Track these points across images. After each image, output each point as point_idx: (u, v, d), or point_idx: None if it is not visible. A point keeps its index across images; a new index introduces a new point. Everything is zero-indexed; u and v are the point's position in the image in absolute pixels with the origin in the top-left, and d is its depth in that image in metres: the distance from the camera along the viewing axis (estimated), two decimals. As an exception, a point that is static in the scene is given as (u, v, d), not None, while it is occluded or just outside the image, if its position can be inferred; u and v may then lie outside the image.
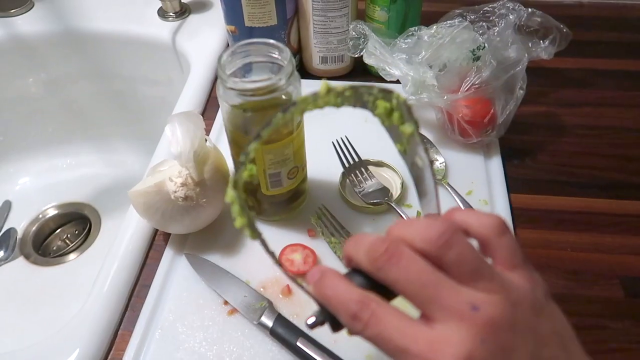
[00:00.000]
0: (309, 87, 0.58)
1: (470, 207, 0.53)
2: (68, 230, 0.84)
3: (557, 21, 0.60)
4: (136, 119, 0.87)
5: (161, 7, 0.79)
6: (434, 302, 0.24)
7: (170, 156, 0.53)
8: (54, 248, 0.82)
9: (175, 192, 0.45)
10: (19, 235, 0.81)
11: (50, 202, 0.86)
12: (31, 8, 0.82)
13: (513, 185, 0.56)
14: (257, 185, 0.49)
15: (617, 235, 0.53)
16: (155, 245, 0.52)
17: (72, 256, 0.79)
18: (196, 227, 0.50)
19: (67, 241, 0.82)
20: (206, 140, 0.48)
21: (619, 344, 0.45)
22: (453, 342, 0.22)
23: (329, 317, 0.27)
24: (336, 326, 0.27)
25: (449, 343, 0.22)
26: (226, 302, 0.47)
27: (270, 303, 0.46)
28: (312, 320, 0.28)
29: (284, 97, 0.43)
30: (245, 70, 0.46)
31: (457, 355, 0.22)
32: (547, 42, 0.60)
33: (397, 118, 0.31)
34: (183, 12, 0.79)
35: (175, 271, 0.49)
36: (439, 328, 0.23)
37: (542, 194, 0.56)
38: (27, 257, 0.79)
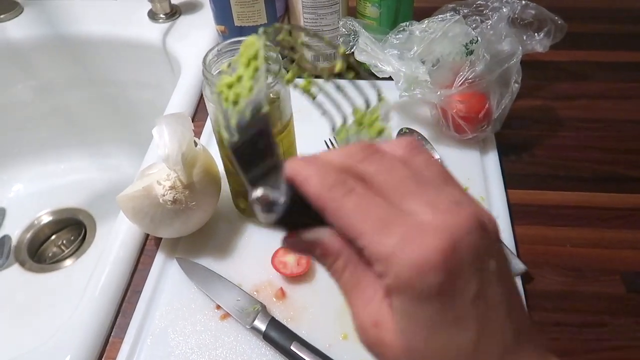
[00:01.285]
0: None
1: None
2: (63, 236, 0.83)
3: (552, 13, 0.59)
4: (129, 122, 0.86)
5: (151, 9, 0.78)
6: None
7: (159, 159, 0.52)
8: (50, 254, 0.81)
9: (164, 195, 0.45)
10: (14, 242, 0.81)
11: (45, 209, 0.85)
12: (20, 13, 0.81)
13: (510, 181, 0.55)
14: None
15: (618, 229, 0.51)
16: (146, 250, 0.51)
17: (68, 262, 0.79)
18: (187, 230, 0.49)
19: (63, 247, 0.82)
20: (195, 142, 0.48)
21: (620, 341, 0.44)
22: (433, 230, 0.19)
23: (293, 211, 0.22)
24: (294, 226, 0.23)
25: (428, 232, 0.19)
26: (218, 307, 0.46)
27: (263, 307, 0.45)
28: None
29: (272, 95, 0.42)
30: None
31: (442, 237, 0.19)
32: (541, 35, 0.59)
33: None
34: (173, 13, 0.78)
35: (166, 276, 0.49)
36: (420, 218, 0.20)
37: (539, 189, 0.55)
38: (22, 264, 0.78)
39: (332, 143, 0.56)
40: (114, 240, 0.51)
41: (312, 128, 0.56)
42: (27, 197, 0.87)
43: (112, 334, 0.46)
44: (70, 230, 0.84)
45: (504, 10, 0.58)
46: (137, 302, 0.47)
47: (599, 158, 0.59)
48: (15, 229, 0.82)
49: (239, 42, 0.43)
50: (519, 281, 0.46)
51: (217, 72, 0.43)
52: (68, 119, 0.87)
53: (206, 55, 0.42)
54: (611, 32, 0.77)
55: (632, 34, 0.76)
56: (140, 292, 0.47)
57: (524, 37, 0.59)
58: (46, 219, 0.84)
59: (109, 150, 0.90)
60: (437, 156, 0.56)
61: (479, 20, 0.58)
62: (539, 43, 0.59)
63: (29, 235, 0.82)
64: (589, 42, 0.75)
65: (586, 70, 0.70)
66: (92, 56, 0.80)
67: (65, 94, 0.85)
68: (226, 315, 0.45)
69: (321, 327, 0.44)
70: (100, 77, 0.82)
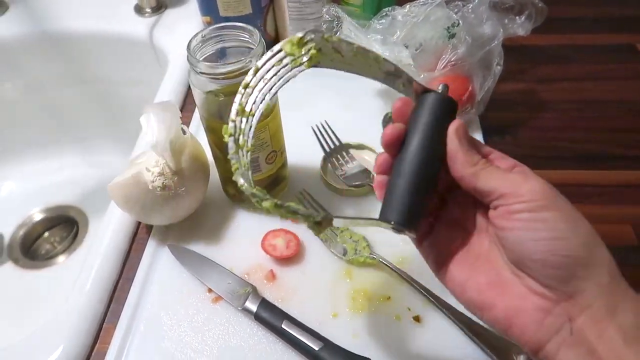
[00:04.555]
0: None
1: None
2: (56, 233, 0.84)
3: (532, -3, 0.60)
4: (118, 118, 0.87)
5: (137, 3, 0.78)
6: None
7: (148, 147, 0.52)
8: (43, 252, 0.81)
9: (153, 181, 0.45)
10: (7, 240, 0.81)
11: (37, 206, 0.85)
12: (6, 11, 0.81)
13: (494, 161, 0.56)
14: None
15: (599, 205, 0.53)
16: (138, 238, 0.52)
17: (61, 258, 0.79)
18: (177, 217, 0.50)
19: (55, 244, 0.82)
20: (183, 129, 0.48)
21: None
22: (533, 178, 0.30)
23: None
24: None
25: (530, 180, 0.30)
26: (210, 290, 0.46)
27: (254, 288, 0.46)
28: None
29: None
30: (219, 56, 0.46)
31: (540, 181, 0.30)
32: (522, 18, 0.60)
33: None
34: (159, 7, 0.78)
35: (158, 263, 0.49)
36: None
37: (523, 169, 0.56)
38: (15, 262, 0.78)
39: (318, 129, 0.57)
40: (106, 229, 0.51)
41: (299, 114, 0.57)
42: (19, 194, 0.87)
43: (105, 321, 0.46)
44: (63, 227, 0.84)
45: (485, -6, 0.58)
46: (129, 289, 0.47)
47: (582, 138, 0.60)
48: (7, 227, 0.82)
49: (224, 27, 0.44)
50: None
51: (202, 57, 0.44)
52: (57, 116, 0.87)
53: (190, 41, 0.42)
54: (592, 15, 0.78)
55: (613, 17, 0.78)
56: (132, 279, 0.48)
57: (505, 21, 0.59)
58: (38, 216, 0.84)
59: (99, 147, 0.90)
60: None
61: (460, 4, 0.59)
62: (520, 26, 0.59)
63: (21, 232, 0.82)
64: (570, 26, 0.76)
65: (568, 53, 0.72)
66: (80, 53, 0.80)
67: (53, 91, 0.85)
68: (218, 298, 0.46)
69: (311, 307, 0.45)
70: (88, 74, 0.83)
